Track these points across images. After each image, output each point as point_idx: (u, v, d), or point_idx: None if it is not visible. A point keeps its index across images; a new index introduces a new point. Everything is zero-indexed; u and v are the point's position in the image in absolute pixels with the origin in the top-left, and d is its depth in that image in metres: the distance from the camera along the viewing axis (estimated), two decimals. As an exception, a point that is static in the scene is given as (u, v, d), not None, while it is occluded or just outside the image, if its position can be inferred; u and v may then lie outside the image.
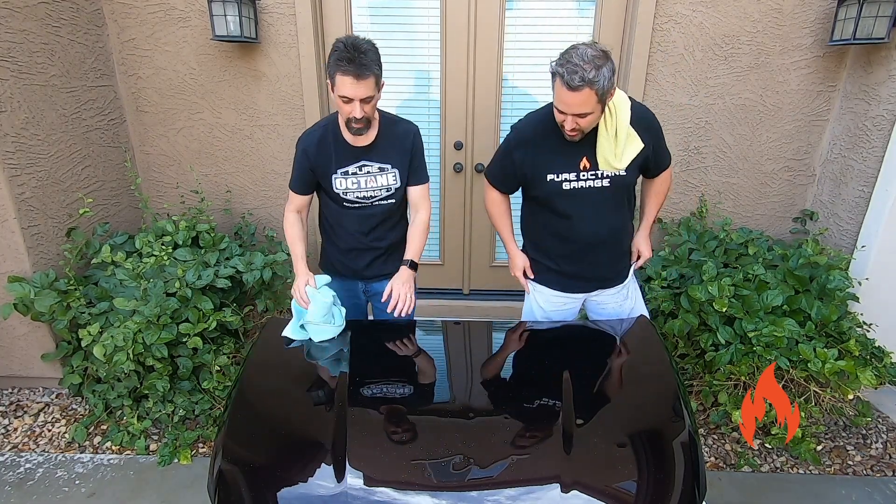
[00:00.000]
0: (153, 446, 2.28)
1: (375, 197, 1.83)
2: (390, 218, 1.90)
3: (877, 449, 2.29)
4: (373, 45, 1.58)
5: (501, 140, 1.85)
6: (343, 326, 1.74)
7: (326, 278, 1.84)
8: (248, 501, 1.14)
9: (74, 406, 2.53)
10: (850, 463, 2.22)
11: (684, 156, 2.75)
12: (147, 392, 2.20)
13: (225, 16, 2.37)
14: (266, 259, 2.50)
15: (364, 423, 1.29)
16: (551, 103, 1.58)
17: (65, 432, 2.37)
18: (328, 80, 1.63)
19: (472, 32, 2.68)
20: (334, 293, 1.77)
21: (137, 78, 2.70)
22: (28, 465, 2.19)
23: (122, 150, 2.76)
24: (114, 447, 2.27)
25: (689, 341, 2.42)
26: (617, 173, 1.66)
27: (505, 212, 1.93)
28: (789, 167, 2.74)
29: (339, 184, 1.80)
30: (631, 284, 1.94)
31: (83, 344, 2.10)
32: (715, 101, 2.64)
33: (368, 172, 1.79)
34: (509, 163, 1.75)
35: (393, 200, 1.85)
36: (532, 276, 1.94)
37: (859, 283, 2.33)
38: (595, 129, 1.60)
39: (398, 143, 1.80)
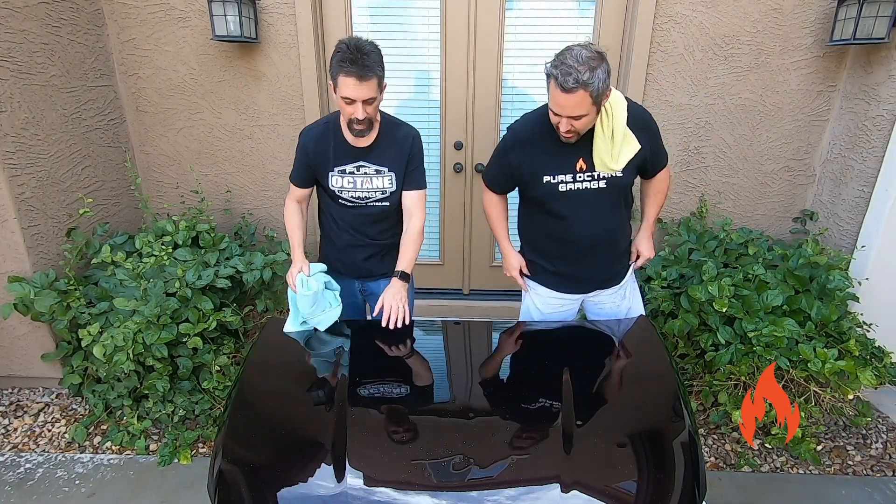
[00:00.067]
0: (153, 446, 2.28)
1: (370, 198, 1.83)
2: (387, 219, 1.90)
3: (877, 449, 2.29)
4: (375, 47, 1.59)
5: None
6: (340, 307, 1.77)
7: (322, 266, 1.87)
8: (248, 501, 1.14)
9: (74, 406, 2.53)
10: (850, 463, 2.22)
11: (684, 156, 2.75)
12: (147, 392, 2.21)
13: (225, 16, 2.37)
14: (266, 259, 2.50)
15: (364, 423, 1.29)
16: (547, 104, 1.58)
17: (65, 432, 2.37)
18: (330, 81, 1.63)
19: (472, 32, 2.68)
20: (328, 279, 1.81)
21: (137, 78, 2.70)
22: (28, 465, 2.19)
23: (122, 150, 2.76)
24: (114, 447, 2.27)
25: (689, 341, 2.42)
26: (613, 174, 1.65)
27: (501, 212, 1.93)
28: (789, 167, 2.74)
29: (336, 182, 1.81)
30: (629, 285, 1.94)
31: (83, 344, 2.10)
32: (715, 101, 2.64)
33: (365, 174, 1.80)
34: (505, 164, 1.75)
35: (387, 203, 1.85)
36: (529, 274, 1.93)
37: (859, 283, 2.33)
38: (592, 130, 1.59)
39: (397, 147, 1.79)
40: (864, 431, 2.39)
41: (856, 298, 2.35)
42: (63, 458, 2.22)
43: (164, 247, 2.34)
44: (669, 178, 1.91)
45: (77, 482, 2.10)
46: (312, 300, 1.72)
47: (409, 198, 1.85)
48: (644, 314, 1.91)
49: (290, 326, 1.74)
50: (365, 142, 1.77)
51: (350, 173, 1.79)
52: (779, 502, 2.03)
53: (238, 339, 2.46)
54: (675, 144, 2.72)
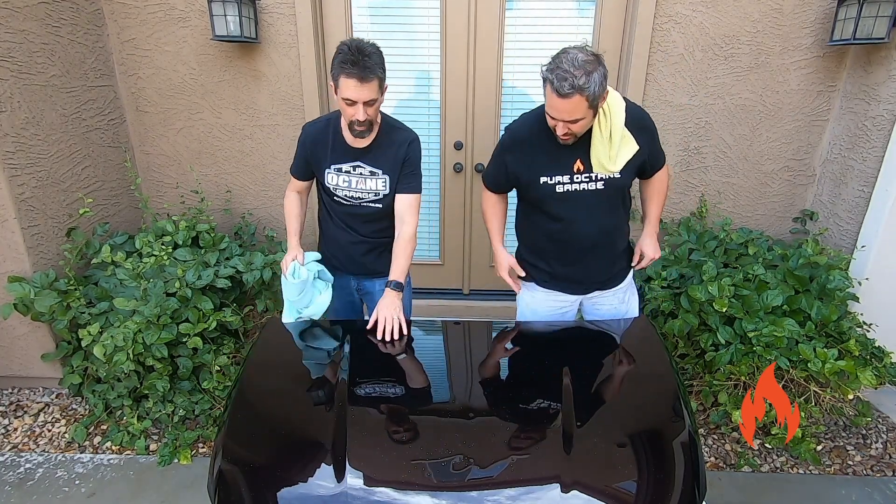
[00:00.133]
0: (153, 446, 2.28)
1: (363, 199, 1.84)
2: (380, 220, 1.90)
3: (877, 449, 2.29)
4: (377, 49, 1.59)
5: (500, 140, 1.85)
6: (330, 293, 1.83)
7: (316, 255, 1.90)
8: (248, 501, 1.14)
9: (74, 406, 2.53)
10: (850, 463, 2.22)
11: (684, 156, 2.75)
12: (147, 392, 2.21)
13: (225, 16, 2.37)
14: (266, 259, 2.50)
15: (364, 423, 1.29)
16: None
17: (65, 432, 2.37)
18: (331, 83, 1.63)
19: (472, 32, 2.68)
20: (321, 268, 1.87)
21: (137, 78, 2.70)
22: (28, 465, 2.19)
23: (122, 150, 2.76)
24: (114, 447, 2.27)
25: (689, 341, 2.42)
26: (611, 176, 1.64)
27: (497, 212, 1.91)
28: (789, 167, 2.74)
29: (331, 179, 1.82)
30: (628, 289, 1.92)
31: (83, 344, 2.10)
32: (715, 102, 2.64)
33: (360, 174, 1.80)
34: (503, 164, 1.74)
35: (380, 206, 1.85)
36: (522, 275, 1.90)
37: (859, 283, 2.33)
38: (590, 131, 1.58)
39: (393, 150, 1.79)
40: (864, 431, 2.39)
41: (856, 298, 2.35)
42: (63, 458, 2.22)
43: (164, 247, 2.34)
44: (669, 177, 1.89)
45: (77, 482, 2.10)
46: (301, 288, 1.76)
47: (402, 202, 1.82)
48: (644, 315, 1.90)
49: (287, 317, 1.79)
50: (363, 142, 1.77)
51: (346, 172, 1.80)
52: (779, 502, 2.03)
53: (238, 339, 2.46)
54: (675, 144, 2.72)
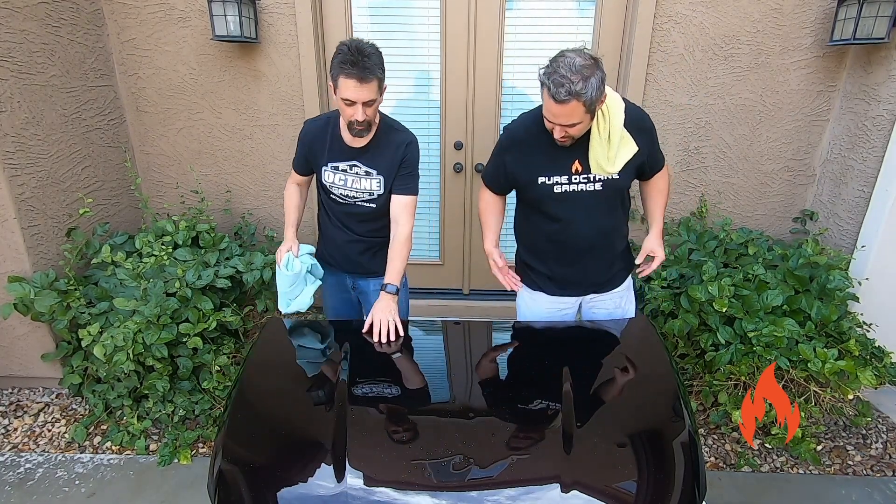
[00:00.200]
0: (153, 446, 2.28)
1: (358, 198, 1.84)
2: (374, 220, 1.90)
3: (877, 449, 2.29)
4: (376, 49, 1.59)
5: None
6: (315, 288, 1.90)
7: (310, 248, 1.95)
8: (248, 501, 1.14)
9: (74, 406, 2.53)
10: (850, 463, 2.22)
11: (684, 156, 2.75)
12: (147, 392, 2.21)
13: (225, 16, 2.37)
14: (266, 259, 2.50)
15: (364, 423, 1.29)
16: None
17: (65, 432, 2.37)
18: (331, 83, 1.63)
19: (472, 32, 2.68)
20: (314, 262, 1.93)
21: (137, 78, 2.70)
22: (28, 465, 2.19)
23: (122, 150, 2.76)
24: (114, 447, 2.27)
25: (689, 341, 2.42)
26: (610, 177, 1.63)
27: (494, 212, 1.88)
28: (789, 167, 2.74)
29: (328, 177, 1.83)
30: (626, 294, 1.90)
31: (83, 344, 2.10)
32: (715, 101, 2.64)
33: (356, 174, 1.81)
34: (501, 164, 1.74)
35: (374, 206, 1.85)
36: (513, 273, 1.89)
37: (859, 283, 2.33)
38: (588, 132, 1.58)
39: (390, 151, 1.79)
40: (864, 431, 2.39)
41: (856, 298, 2.35)
42: (63, 458, 2.22)
43: (164, 247, 2.34)
44: (669, 177, 1.88)
45: (77, 482, 2.10)
46: (292, 280, 1.83)
47: (397, 203, 1.81)
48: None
49: (281, 306, 1.87)
50: (361, 142, 1.77)
51: (343, 171, 1.81)
52: (779, 502, 2.03)
53: (238, 339, 2.46)
54: (675, 144, 2.72)
